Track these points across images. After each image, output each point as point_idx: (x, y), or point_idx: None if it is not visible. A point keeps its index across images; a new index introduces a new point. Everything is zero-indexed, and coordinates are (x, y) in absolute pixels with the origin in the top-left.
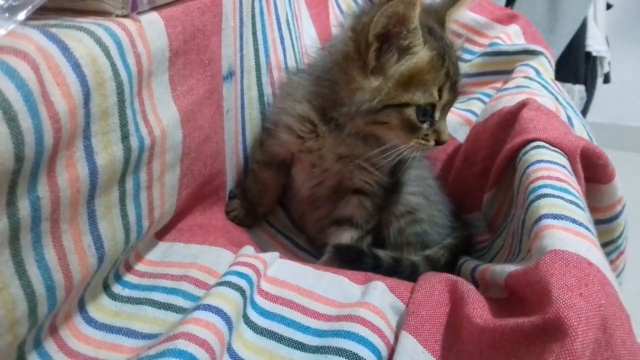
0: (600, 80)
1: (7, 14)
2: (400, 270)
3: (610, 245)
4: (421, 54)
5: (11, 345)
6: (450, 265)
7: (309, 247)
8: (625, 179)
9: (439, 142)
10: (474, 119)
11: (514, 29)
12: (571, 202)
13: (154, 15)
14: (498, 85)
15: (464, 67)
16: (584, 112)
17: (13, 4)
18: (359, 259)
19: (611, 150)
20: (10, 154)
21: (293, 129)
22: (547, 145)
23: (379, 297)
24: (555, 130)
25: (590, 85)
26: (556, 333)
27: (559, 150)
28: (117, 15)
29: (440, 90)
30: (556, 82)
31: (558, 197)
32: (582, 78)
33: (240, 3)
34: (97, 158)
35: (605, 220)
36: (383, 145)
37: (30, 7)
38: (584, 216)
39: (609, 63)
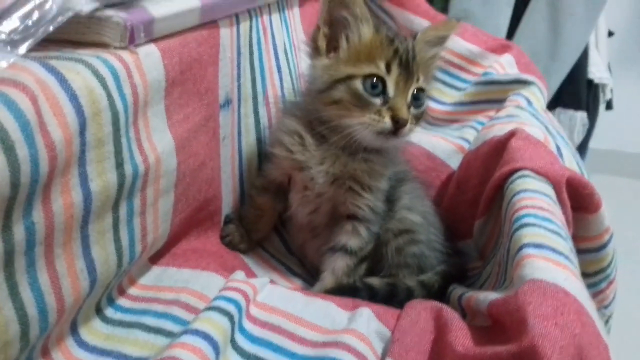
0: (602, 107)
1: (8, 47)
2: (396, 295)
3: (599, 274)
4: (366, 31)
5: None
6: (442, 292)
7: (303, 272)
8: (628, 205)
9: (395, 119)
10: (467, 146)
11: (507, 58)
12: (553, 231)
13: (151, 47)
14: (491, 113)
15: (457, 95)
16: (586, 139)
17: (14, 37)
18: (354, 294)
19: (613, 177)
20: (7, 182)
21: (283, 142)
22: (533, 174)
23: (365, 324)
24: (542, 160)
25: (592, 112)
26: None
27: (545, 180)
28: (116, 48)
29: (388, 65)
30: (547, 111)
31: (540, 226)
32: (584, 105)
33: (238, 34)
34: (91, 185)
35: (593, 249)
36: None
37: (31, 40)
38: (565, 246)
39: (611, 90)
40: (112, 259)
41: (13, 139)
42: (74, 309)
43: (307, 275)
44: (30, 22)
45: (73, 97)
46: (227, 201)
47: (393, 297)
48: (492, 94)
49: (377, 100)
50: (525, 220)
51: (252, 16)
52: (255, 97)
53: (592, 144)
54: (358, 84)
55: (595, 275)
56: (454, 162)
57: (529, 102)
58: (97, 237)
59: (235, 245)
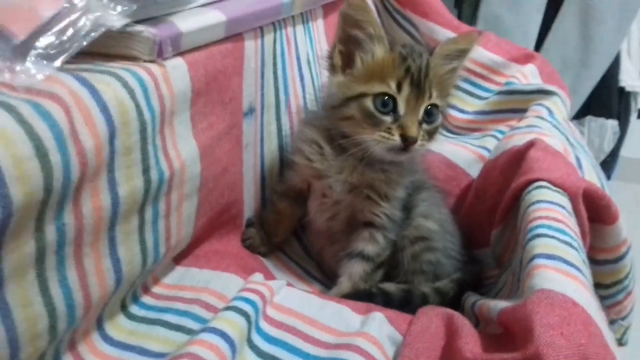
0: (634, 115)
1: (45, 61)
2: (411, 302)
3: (616, 285)
4: (379, 51)
5: (31, 357)
6: (457, 299)
7: (321, 276)
8: None
9: (404, 137)
10: (487, 155)
11: (530, 68)
12: (565, 242)
13: (178, 60)
14: (513, 123)
15: (479, 104)
16: (617, 147)
17: (50, 52)
18: (369, 299)
19: None
20: (40, 186)
21: (303, 151)
22: (549, 185)
23: (378, 328)
24: (559, 171)
25: (623, 120)
26: None
27: (561, 191)
28: (145, 61)
29: (399, 84)
30: (569, 122)
31: (552, 237)
32: (615, 113)
33: (262, 46)
34: (119, 189)
35: (610, 261)
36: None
37: (65, 54)
38: (577, 257)
39: None
40: (137, 259)
41: (47, 147)
42: (100, 305)
43: (325, 279)
44: (65, 38)
45: (104, 108)
46: (249, 205)
47: (408, 304)
48: (514, 104)
49: (388, 118)
50: (539, 230)
51: (276, 28)
52: (277, 106)
53: (623, 152)
54: (369, 102)
55: (612, 286)
56: (474, 171)
57: (551, 113)
58: (123, 238)
59: (256, 248)
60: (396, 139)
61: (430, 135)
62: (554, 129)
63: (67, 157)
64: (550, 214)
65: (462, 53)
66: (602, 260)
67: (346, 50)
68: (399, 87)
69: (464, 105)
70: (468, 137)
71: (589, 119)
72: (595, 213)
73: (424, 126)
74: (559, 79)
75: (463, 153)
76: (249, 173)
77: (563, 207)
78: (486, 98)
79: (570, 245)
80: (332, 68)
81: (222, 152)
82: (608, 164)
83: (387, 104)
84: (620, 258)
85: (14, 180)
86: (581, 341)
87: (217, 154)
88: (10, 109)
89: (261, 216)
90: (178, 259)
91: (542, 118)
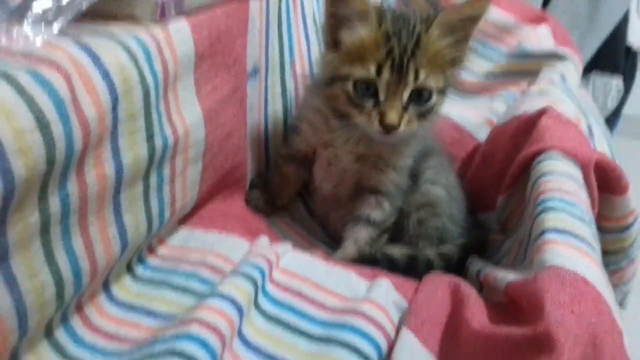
0: (639, 73)
1: (42, 26)
2: (416, 267)
3: (620, 253)
4: (364, 29)
5: (40, 323)
6: (462, 264)
7: (326, 238)
8: None
9: (382, 124)
10: (495, 119)
11: (543, 30)
12: (576, 216)
13: (181, 23)
14: (523, 86)
15: (489, 66)
16: (621, 105)
17: (48, 17)
18: (374, 264)
19: None
20: (43, 159)
21: (309, 119)
22: (560, 155)
23: (384, 294)
24: (571, 141)
25: (628, 79)
26: (545, 347)
27: (573, 161)
28: (147, 22)
29: (379, 68)
30: (581, 88)
31: (563, 210)
32: (620, 70)
33: (267, 5)
34: (123, 157)
35: (616, 230)
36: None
37: (64, 18)
38: (588, 232)
39: None
40: (142, 225)
41: (48, 118)
42: (106, 271)
43: (330, 240)
44: (63, 1)
45: (105, 75)
46: (253, 167)
47: (413, 269)
48: (526, 66)
49: (369, 103)
50: (550, 204)
51: None
52: (282, 66)
53: (627, 110)
54: (350, 86)
55: (616, 253)
56: (482, 135)
57: (563, 78)
58: (128, 205)
59: (260, 210)
60: (375, 125)
61: (423, 115)
62: (565, 96)
63: (69, 127)
64: (562, 186)
65: (469, 22)
66: (608, 229)
67: (335, 26)
68: (379, 71)
69: (473, 66)
70: (477, 99)
71: (594, 74)
72: (605, 183)
73: (412, 109)
74: (572, 41)
75: (471, 116)
76: (253, 135)
77: (574, 179)
78: (496, 60)
79: (582, 220)
80: (324, 43)
81: (226, 116)
82: (610, 121)
83: (368, 88)
84: (627, 228)
85: (16, 153)
86: (591, 320)
87: (221, 118)
88: (10, 80)
89: (265, 178)
90: (182, 219)
91: (554, 84)
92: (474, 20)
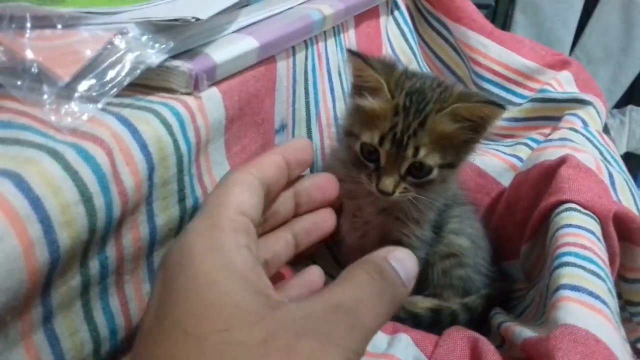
0: None
1: (88, 102)
2: (441, 321)
3: None
4: (376, 101)
5: None
6: (485, 315)
7: None
8: None
9: (377, 188)
10: (519, 164)
11: (565, 75)
12: (592, 272)
13: (213, 90)
14: (546, 131)
15: (512, 111)
16: None
17: (93, 94)
18: (398, 321)
19: None
20: (85, 228)
21: (335, 170)
22: (579, 207)
23: (404, 350)
24: (590, 192)
25: None
26: None
27: (591, 214)
28: (182, 93)
29: (382, 138)
30: (603, 134)
31: (579, 266)
32: None
33: (294, 63)
34: (156, 219)
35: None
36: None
37: (107, 95)
38: (603, 288)
39: None
40: None
41: (91, 191)
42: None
43: None
44: (107, 79)
45: (143, 147)
46: None
47: (438, 323)
48: (548, 112)
49: (371, 165)
50: (566, 259)
51: (307, 45)
52: (308, 119)
53: None
54: (357, 146)
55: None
56: (505, 180)
57: (585, 124)
58: None
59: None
60: (372, 187)
61: (422, 186)
62: (587, 143)
63: (109, 198)
64: (578, 240)
65: (478, 122)
66: (632, 279)
67: (358, 87)
68: (381, 142)
69: None
70: (500, 144)
71: (629, 108)
72: (626, 233)
73: (410, 179)
74: (595, 86)
75: (494, 161)
76: None
77: (592, 232)
78: (519, 104)
79: (597, 276)
80: (350, 96)
81: None
82: None
83: (372, 153)
84: None
85: (61, 226)
86: None
87: None
88: (57, 156)
89: None
90: None
91: (575, 130)
92: (481, 120)
